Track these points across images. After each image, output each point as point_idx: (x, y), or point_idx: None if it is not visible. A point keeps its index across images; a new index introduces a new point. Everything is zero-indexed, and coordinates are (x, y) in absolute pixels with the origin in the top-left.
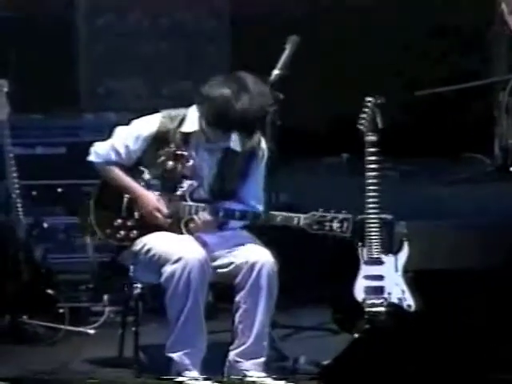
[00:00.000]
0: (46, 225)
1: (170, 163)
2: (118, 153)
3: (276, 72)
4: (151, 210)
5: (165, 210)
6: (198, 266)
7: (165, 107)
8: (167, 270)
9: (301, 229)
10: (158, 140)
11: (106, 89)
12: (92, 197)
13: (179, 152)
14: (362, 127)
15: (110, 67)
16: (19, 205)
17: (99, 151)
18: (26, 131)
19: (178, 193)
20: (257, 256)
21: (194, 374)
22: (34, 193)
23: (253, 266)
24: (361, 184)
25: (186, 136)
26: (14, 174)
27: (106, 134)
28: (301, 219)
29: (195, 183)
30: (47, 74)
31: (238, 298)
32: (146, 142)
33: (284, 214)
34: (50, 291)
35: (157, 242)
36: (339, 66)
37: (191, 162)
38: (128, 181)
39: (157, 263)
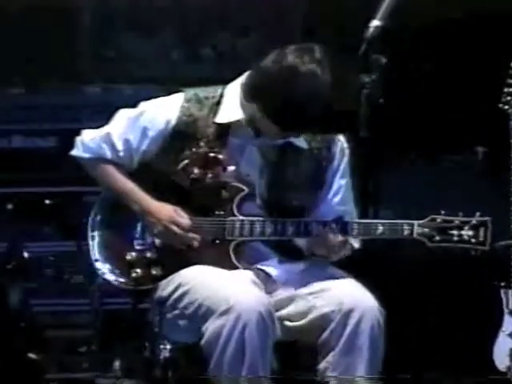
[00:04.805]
0: (26, 254)
1: (197, 171)
2: (113, 147)
3: (375, 23)
4: (165, 225)
5: (186, 222)
6: (256, 320)
7: (205, 77)
8: (211, 326)
9: (416, 242)
10: (179, 136)
11: (117, 50)
12: (92, 213)
13: (212, 154)
14: (505, 107)
15: (124, 20)
16: None
17: (87, 142)
18: None
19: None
20: (354, 300)
21: None
22: (10, 206)
23: (348, 314)
24: (503, 190)
25: (224, 129)
26: None
27: None
28: (414, 227)
29: (245, 189)
30: (32, 31)
31: (324, 364)
32: (159, 141)
33: (388, 221)
34: (32, 355)
35: (195, 283)
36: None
37: (231, 168)
38: (127, 186)
39: (195, 317)
